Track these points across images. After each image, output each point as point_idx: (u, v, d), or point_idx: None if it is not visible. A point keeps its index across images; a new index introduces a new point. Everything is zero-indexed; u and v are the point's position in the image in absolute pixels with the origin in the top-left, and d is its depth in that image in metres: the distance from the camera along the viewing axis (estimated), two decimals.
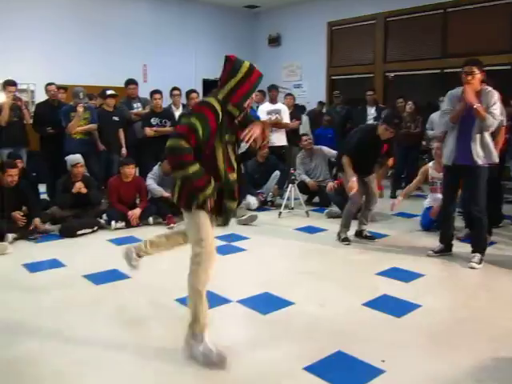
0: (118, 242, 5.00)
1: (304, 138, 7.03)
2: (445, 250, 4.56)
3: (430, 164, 5.62)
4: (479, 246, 4.33)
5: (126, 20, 10.57)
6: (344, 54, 11.22)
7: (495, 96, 4.06)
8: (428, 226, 5.40)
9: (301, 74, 12.02)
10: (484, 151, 4.12)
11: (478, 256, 4.26)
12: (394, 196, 7.50)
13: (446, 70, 9.34)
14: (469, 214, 4.65)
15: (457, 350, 2.80)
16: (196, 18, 11.67)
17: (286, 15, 12.05)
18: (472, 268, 4.18)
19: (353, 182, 4.73)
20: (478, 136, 4.11)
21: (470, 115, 4.08)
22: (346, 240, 4.99)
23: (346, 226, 5.06)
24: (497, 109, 4.03)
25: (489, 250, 4.51)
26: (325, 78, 11.51)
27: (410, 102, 7.67)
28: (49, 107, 6.72)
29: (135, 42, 10.66)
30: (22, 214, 5.05)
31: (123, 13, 10.56)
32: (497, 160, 4.22)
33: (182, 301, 3.42)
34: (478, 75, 4.05)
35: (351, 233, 5.13)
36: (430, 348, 2.85)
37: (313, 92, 11.47)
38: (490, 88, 4.13)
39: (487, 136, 4.13)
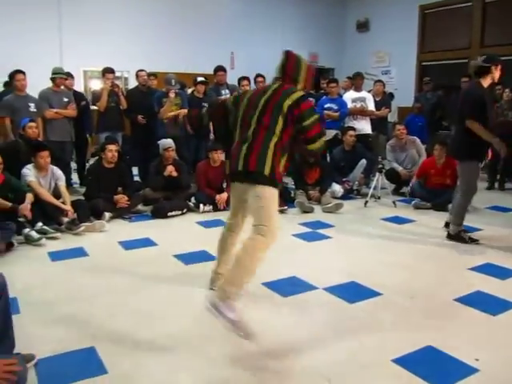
0: (206, 224, 5.16)
1: (398, 126, 6.80)
2: None
3: None
4: None
5: (214, 8, 10.74)
6: (436, 38, 10.72)
7: None
8: None
9: (389, 60, 11.66)
10: None
11: None
12: (491, 187, 7.13)
13: None
14: None
15: None
16: (283, 6, 11.62)
17: None
18: None
19: (498, 142, 4.29)
20: None
21: None
22: (473, 240, 4.54)
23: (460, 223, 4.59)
24: None
25: None
26: (415, 63, 11.07)
27: (507, 90, 7.21)
28: (139, 93, 7.01)
29: (223, 30, 10.83)
30: (126, 198, 5.34)
31: (212, 1, 10.74)
32: None
33: (269, 285, 3.49)
34: None
35: (441, 225, 4.93)
36: None
37: (402, 78, 11.11)
38: None
39: None
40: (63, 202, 4.91)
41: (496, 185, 7.23)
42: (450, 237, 4.63)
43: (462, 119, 4.44)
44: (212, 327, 2.87)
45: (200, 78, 7.23)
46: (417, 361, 2.55)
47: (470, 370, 2.45)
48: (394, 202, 5.99)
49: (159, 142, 5.92)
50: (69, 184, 6.23)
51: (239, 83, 6.90)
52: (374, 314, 3.10)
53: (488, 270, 3.86)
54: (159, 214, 5.38)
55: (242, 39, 11.01)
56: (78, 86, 8.87)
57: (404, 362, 2.52)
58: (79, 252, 4.23)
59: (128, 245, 4.44)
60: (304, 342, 2.75)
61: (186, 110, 6.59)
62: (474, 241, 4.54)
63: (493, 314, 3.09)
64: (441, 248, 4.46)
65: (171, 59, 9.76)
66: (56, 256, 4.11)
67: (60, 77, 6.35)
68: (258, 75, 7.38)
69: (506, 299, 3.30)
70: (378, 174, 6.10)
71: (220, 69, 7.36)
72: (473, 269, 3.88)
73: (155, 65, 8.73)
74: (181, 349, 2.65)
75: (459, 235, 4.57)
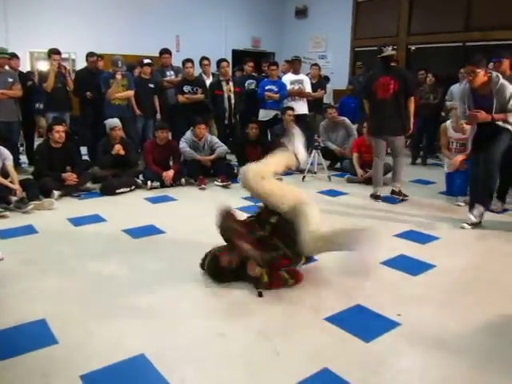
0: (154, 200, 5.09)
1: (329, 110, 6.94)
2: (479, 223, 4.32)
3: (448, 122, 5.50)
4: (482, 201, 4.21)
5: None
6: (368, 26, 10.88)
7: (509, 89, 3.87)
8: (451, 192, 5.32)
9: (326, 46, 11.76)
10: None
11: (477, 210, 4.20)
12: (414, 163, 7.43)
13: (467, 44, 9.01)
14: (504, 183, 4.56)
15: (467, 308, 2.81)
16: None
17: None
18: (467, 226, 4.21)
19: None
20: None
21: (487, 106, 3.94)
22: (406, 195, 5.16)
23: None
24: None
25: (503, 217, 4.44)
26: (349, 49, 11.23)
27: (429, 75, 7.46)
28: (88, 74, 6.77)
29: (169, 13, 10.53)
30: (74, 176, 5.15)
31: None
32: None
33: None
34: (481, 73, 3.89)
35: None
36: (443, 305, 2.86)
37: (337, 63, 11.25)
38: (499, 80, 3.90)
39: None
40: (11, 182, 4.69)
41: (419, 160, 7.53)
42: (393, 193, 5.19)
43: (403, 98, 4.87)
44: (158, 294, 2.88)
45: (146, 60, 7.06)
46: (346, 318, 2.65)
47: (392, 324, 2.59)
48: (329, 177, 6.13)
49: (106, 121, 5.75)
50: (17, 164, 5.95)
51: (183, 65, 6.76)
52: (310, 280, 3.18)
53: (410, 236, 4.05)
54: (108, 191, 5.24)
55: (187, 23, 10.75)
56: (25, 67, 8.43)
57: (335, 319, 2.63)
58: (29, 229, 4.06)
59: (77, 221, 4.31)
60: (250, 306, 2.80)
61: (132, 92, 6.41)
62: (406, 196, 5.18)
63: (413, 275, 3.25)
64: (370, 218, 4.62)
65: (118, 41, 9.41)
66: (5, 234, 3.93)
67: (3, 57, 6.01)
68: (204, 58, 7.25)
69: (424, 261, 3.48)
70: (314, 151, 6.20)
71: (165, 51, 7.19)
72: (398, 235, 4.05)
73: (102, 46, 8.39)
74: (130, 316, 2.63)
75: (401, 191, 5.17)
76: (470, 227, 4.20)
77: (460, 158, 5.09)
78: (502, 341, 2.47)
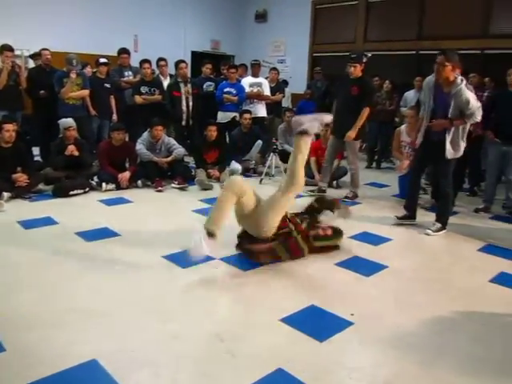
0: (109, 202, 4.99)
1: (287, 113, 7.02)
2: (409, 217, 4.61)
3: (403, 127, 5.67)
4: (443, 217, 4.40)
5: None
6: (326, 32, 11.07)
7: (466, 94, 3.93)
8: (404, 195, 5.44)
9: (285, 50, 11.87)
10: (454, 147, 4.09)
11: (437, 225, 4.35)
12: (369, 167, 7.63)
13: (420, 52, 9.32)
14: (436, 186, 4.74)
15: (418, 306, 2.91)
16: None
17: None
18: (426, 234, 4.29)
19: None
20: (450, 133, 4.07)
21: (446, 104, 4.05)
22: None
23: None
24: (472, 107, 3.93)
25: (452, 219, 4.62)
26: (307, 54, 11.39)
27: (387, 81, 7.68)
28: (41, 72, 6.56)
29: (127, 12, 10.34)
30: (25, 177, 4.98)
31: None
32: (461, 154, 4.18)
33: (168, 258, 3.48)
34: (449, 67, 3.96)
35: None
36: (394, 304, 2.95)
37: (296, 67, 11.38)
38: (461, 84, 3.98)
39: (458, 132, 4.08)
40: None
41: (374, 164, 7.73)
42: (347, 198, 5.42)
43: (359, 105, 5.14)
44: (111, 297, 2.83)
45: (102, 60, 6.93)
46: (301, 319, 2.69)
47: (345, 324, 2.64)
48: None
49: (59, 121, 5.60)
50: None
51: (141, 66, 6.68)
52: (264, 280, 3.21)
53: (364, 237, 4.15)
54: (60, 192, 5.09)
55: (146, 23, 10.58)
56: None
57: (290, 320, 2.66)
58: None
59: (28, 224, 4.17)
60: (204, 308, 2.79)
61: (87, 91, 6.27)
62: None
63: (366, 275, 3.34)
64: (327, 219, 4.69)
65: (73, 39, 9.15)
66: None
67: None
68: (161, 59, 7.20)
69: (377, 262, 3.58)
70: (272, 154, 6.25)
71: (124, 51, 7.09)
72: (352, 237, 4.14)
73: (56, 44, 8.15)
74: (81, 321, 2.57)
75: (357, 195, 5.47)
76: (434, 234, 4.32)
77: (407, 162, 5.27)
78: (451, 337, 2.57)
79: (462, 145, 4.14)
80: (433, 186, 5.16)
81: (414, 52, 9.44)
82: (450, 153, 4.10)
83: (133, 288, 2.99)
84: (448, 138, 4.07)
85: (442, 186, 4.36)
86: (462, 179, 5.81)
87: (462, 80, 4.03)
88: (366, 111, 5.17)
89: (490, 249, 4.02)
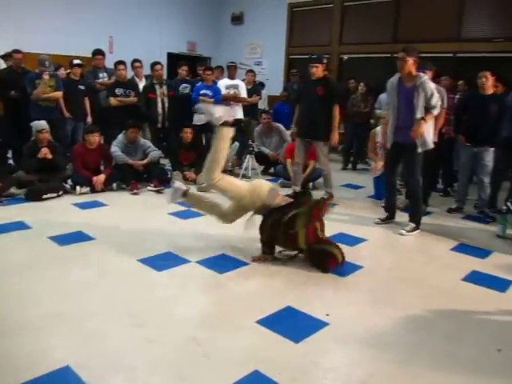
0: (83, 205, 4.92)
1: (264, 115, 7.03)
2: (389, 218, 4.72)
3: (378, 128, 5.74)
4: (415, 217, 4.49)
5: None
6: (303, 34, 11.13)
7: (430, 86, 4.14)
8: (379, 195, 5.55)
9: (261, 52, 11.90)
10: (421, 138, 4.22)
11: (411, 225, 4.44)
12: (345, 168, 7.71)
13: (395, 55, 9.42)
14: (407, 186, 4.84)
15: (392, 306, 2.95)
16: None
17: None
18: (400, 234, 4.37)
19: None
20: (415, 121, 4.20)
21: (411, 101, 4.19)
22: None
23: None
24: (435, 98, 4.14)
25: (425, 219, 4.71)
26: (284, 56, 11.44)
27: (362, 84, 7.77)
28: (13, 73, 6.42)
29: (102, 13, 10.21)
30: None
31: None
32: (431, 146, 4.32)
33: (144, 261, 3.45)
34: (410, 61, 4.16)
35: None
36: (370, 303, 2.98)
37: (272, 69, 11.42)
38: (423, 77, 4.19)
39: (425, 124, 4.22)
40: None
41: (349, 166, 7.81)
42: (329, 198, 5.34)
43: (327, 105, 5.16)
44: (85, 302, 2.79)
45: (76, 61, 6.84)
46: (277, 320, 2.70)
47: (321, 324, 2.66)
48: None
49: (32, 123, 5.49)
50: None
51: (116, 67, 6.61)
52: (242, 282, 3.22)
53: (340, 238, 4.16)
54: (33, 196, 5.00)
55: (122, 24, 10.47)
56: None
57: (267, 322, 2.66)
58: None
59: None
60: (180, 311, 2.78)
61: (61, 93, 6.18)
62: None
63: (342, 276, 3.37)
64: None
65: (46, 40, 8.98)
66: None
67: None
68: (135, 60, 7.14)
69: (353, 263, 3.61)
70: (248, 155, 6.26)
71: (98, 52, 7.01)
72: (329, 237, 4.16)
73: (28, 45, 8.00)
74: (54, 327, 2.52)
75: (332, 195, 5.44)
76: (408, 234, 4.41)
77: (381, 163, 5.35)
78: (425, 335, 2.62)
79: (428, 138, 4.27)
80: (406, 187, 5.24)
81: (388, 55, 9.56)
82: (419, 145, 4.23)
83: (107, 292, 2.96)
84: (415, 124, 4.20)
85: (411, 185, 4.49)
86: (436, 180, 5.92)
87: (425, 74, 4.24)
88: (336, 109, 5.22)
89: (463, 248, 4.11)
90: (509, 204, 4.34)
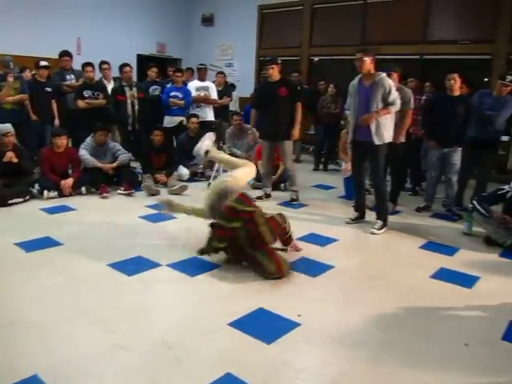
0: (51, 210, 4.81)
1: (235, 117, 7.02)
2: (360, 218, 4.80)
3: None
4: (382, 214, 4.59)
5: None
6: (273, 36, 11.17)
7: (388, 82, 4.27)
8: (349, 196, 5.59)
9: (232, 54, 11.90)
10: (378, 131, 4.33)
11: (379, 223, 4.53)
12: (316, 169, 7.76)
13: (353, 57, 9.57)
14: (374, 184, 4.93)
15: (364, 304, 2.98)
16: None
17: None
18: (372, 233, 4.45)
19: None
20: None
21: (369, 98, 4.29)
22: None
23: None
24: (393, 94, 4.26)
25: (394, 218, 4.79)
26: (254, 58, 11.47)
27: (331, 85, 7.84)
28: None
29: (69, 14, 10.01)
30: None
31: None
32: (388, 140, 4.41)
33: (114, 266, 3.40)
34: (367, 60, 4.27)
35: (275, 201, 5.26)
36: (341, 302, 3.02)
37: (243, 71, 11.43)
38: (382, 74, 4.31)
39: (383, 118, 4.32)
40: None
41: (321, 166, 7.87)
42: (293, 200, 5.49)
43: (291, 104, 5.22)
44: (53, 309, 2.73)
45: (43, 63, 6.66)
46: (249, 322, 2.70)
47: (292, 325, 2.67)
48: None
49: None
50: None
51: (83, 69, 6.49)
52: (212, 284, 3.20)
53: (311, 239, 4.22)
54: None
55: (90, 25, 10.27)
56: None
57: (238, 324, 2.66)
58: None
59: None
60: (151, 316, 2.75)
61: (26, 95, 6.03)
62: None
63: (313, 276, 3.39)
64: None
65: (10, 40, 8.75)
66: None
67: None
68: (103, 62, 7.04)
69: (324, 263, 3.64)
70: None
71: (65, 54, 6.85)
72: (299, 239, 4.18)
73: None
74: (21, 335, 2.46)
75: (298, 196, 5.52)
76: (379, 232, 4.49)
77: (350, 165, 5.40)
78: (396, 333, 2.66)
79: (386, 133, 4.38)
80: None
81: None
82: (375, 139, 4.33)
83: (76, 298, 2.90)
84: (372, 127, 4.31)
85: (376, 183, 4.58)
86: (405, 179, 6.03)
87: (383, 73, 4.34)
88: (299, 107, 5.30)
89: (431, 246, 4.19)
90: (474, 202, 4.44)
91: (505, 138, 6.94)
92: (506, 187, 4.36)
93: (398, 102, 4.32)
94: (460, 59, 8.28)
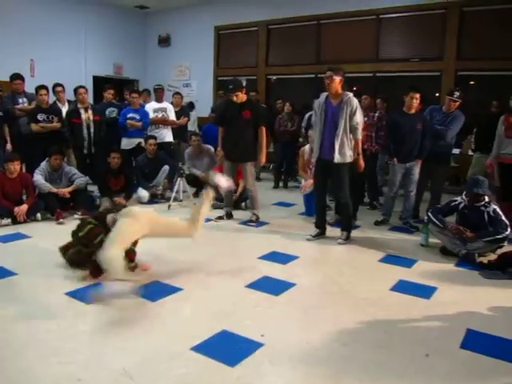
0: (4, 239, 4.63)
1: (193, 137, 7.00)
2: (320, 234, 4.87)
3: (307, 147, 5.89)
4: (347, 225, 4.78)
5: (12, 14, 9.67)
6: (230, 56, 11.32)
7: (355, 102, 4.44)
8: (310, 212, 5.67)
9: (189, 74, 11.95)
10: (340, 151, 4.47)
11: (345, 233, 4.72)
12: (276, 187, 7.82)
13: (319, 75, 9.81)
14: (337, 201, 5.02)
15: (326, 320, 3.01)
16: (86, 15, 10.97)
17: (176, 17, 11.87)
18: (340, 244, 4.62)
19: None
20: (338, 137, 4.45)
21: (337, 117, 4.41)
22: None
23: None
24: (358, 115, 4.45)
25: (354, 233, 4.89)
26: (212, 78, 11.55)
27: (287, 103, 7.98)
28: None
29: (22, 36, 9.79)
30: None
31: (11, 7, 9.66)
32: (349, 160, 4.55)
33: (71, 294, 3.31)
34: (337, 79, 4.39)
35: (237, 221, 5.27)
36: (303, 320, 3.04)
37: (201, 91, 11.50)
38: (350, 94, 4.46)
39: (345, 138, 4.47)
40: None
41: (281, 184, 7.95)
42: (251, 221, 5.47)
43: (254, 127, 5.30)
44: (8, 344, 2.62)
45: None
46: (212, 345, 2.67)
47: (256, 345, 2.67)
48: (194, 204, 6.15)
49: None
50: None
51: (37, 92, 6.36)
52: (174, 308, 3.16)
53: (273, 257, 4.24)
54: None
55: (43, 46, 10.08)
56: None
57: (201, 348, 2.63)
58: None
59: None
60: (110, 344, 2.68)
61: None
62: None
63: (275, 294, 3.40)
64: (237, 241, 4.77)
65: None
66: None
67: None
68: (57, 84, 6.93)
69: (286, 280, 3.66)
70: (179, 178, 6.22)
71: (17, 77, 6.69)
72: (261, 257, 4.22)
73: None
74: None
75: (258, 217, 5.51)
76: (346, 242, 4.70)
77: (310, 182, 5.51)
78: (357, 347, 2.69)
79: (348, 153, 4.51)
80: (335, 202, 5.42)
81: (313, 75, 9.94)
82: (336, 158, 4.47)
83: (30, 329, 2.80)
84: (336, 145, 4.45)
85: (341, 198, 4.69)
86: (363, 194, 6.17)
87: (350, 93, 4.49)
88: (263, 130, 5.35)
89: (389, 258, 4.29)
90: (429, 214, 4.59)
91: (456, 151, 7.25)
92: (459, 198, 4.53)
93: (362, 122, 4.53)
94: (411, 76, 8.63)
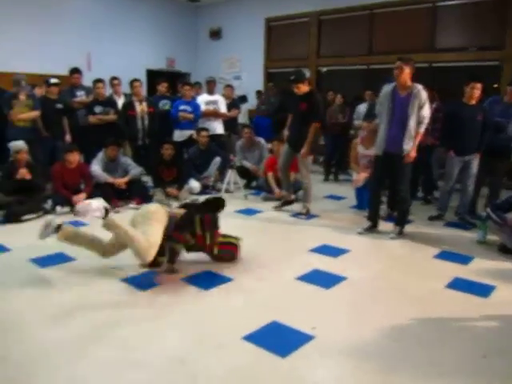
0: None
1: (245, 130, 7.05)
2: (372, 227, 4.78)
3: (359, 139, 5.79)
4: (401, 220, 4.67)
5: (70, 9, 10.06)
6: (280, 48, 11.27)
7: (424, 96, 4.30)
8: (361, 206, 5.59)
9: (240, 66, 12.00)
10: (408, 144, 4.36)
11: (398, 228, 4.63)
12: (326, 179, 7.74)
13: (371, 66, 9.63)
14: (393, 195, 4.90)
15: (376, 316, 2.96)
16: (140, 10, 11.28)
17: (227, 10, 11.97)
18: (392, 239, 4.54)
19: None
20: (408, 130, 4.33)
21: (405, 108, 4.29)
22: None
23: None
24: (426, 108, 4.31)
25: (407, 228, 4.76)
26: (262, 70, 11.55)
27: (339, 95, 7.87)
28: None
29: (79, 31, 10.16)
30: None
31: (68, 2, 10.05)
32: (409, 147, 4.41)
33: (127, 281, 3.42)
34: (407, 70, 4.27)
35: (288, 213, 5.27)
36: (354, 314, 3.00)
37: (251, 83, 11.50)
38: (419, 86, 4.32)
39: (414, 132, 4.36)
40: None
41: (331, 177, 7.86)
42: (301, 214, 5.40)
43: (307, 120, 5.16)
44: (69, 328, 2.75)
45: (53, 80, 6.78)
46: (263, 335, 2.69)
47: (307, 338, 2.66)
48: (245, 196, 6.22)
49: (10, 144, 5.43)
50: None
51: (94, 85, 6.60)
52: (225, 298, 3.20)
53: (323, 250, 4.21)
54: (12, 218, 4.91)
55: (100, 41, 10.41)
56: None
57: (252, 338, 2.65)
58: None
59: None
60: (161, 331, 2.75)
61: (38, 112, 6.13)
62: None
63: (326, 288, 3.38)
64: (287, 234, 4.76)
65: (21, 58, 8.91)
66: None
67: None
68: (113, 78, 7.15)
69: (336, 274, 3.63)
70: (230, 170, 6.28)
71: (75, 71, 7.01)
72: (312, 250, 4.20)
73: (2, 64, 7.95)
74: (42, 360, 2.48)
75: (309, 210, 5.44)
76: (398, 237, 4.61)
77: (363, 175, 5.40)
78: (409, 344, 2.63)
79: (410, 143, 4.39)
80: (389, 196, 5.30)
81: (365, 67, 9.75)
82: (406, 150, 4.38)
83: (92, 316, 2.91)
84: (406, 138, 4.36)
85: (402, 191, 4.56)
86: (416, 188, 6.00)
87: (420, 85, 4.35)
88: (313, 126, 5.17)
89: (445, 255, 4.16)
90: (488, 210, 4.41)
91: None
92: None
93: (427, 119, 4.37)
94: (468, 66, 8.28)
